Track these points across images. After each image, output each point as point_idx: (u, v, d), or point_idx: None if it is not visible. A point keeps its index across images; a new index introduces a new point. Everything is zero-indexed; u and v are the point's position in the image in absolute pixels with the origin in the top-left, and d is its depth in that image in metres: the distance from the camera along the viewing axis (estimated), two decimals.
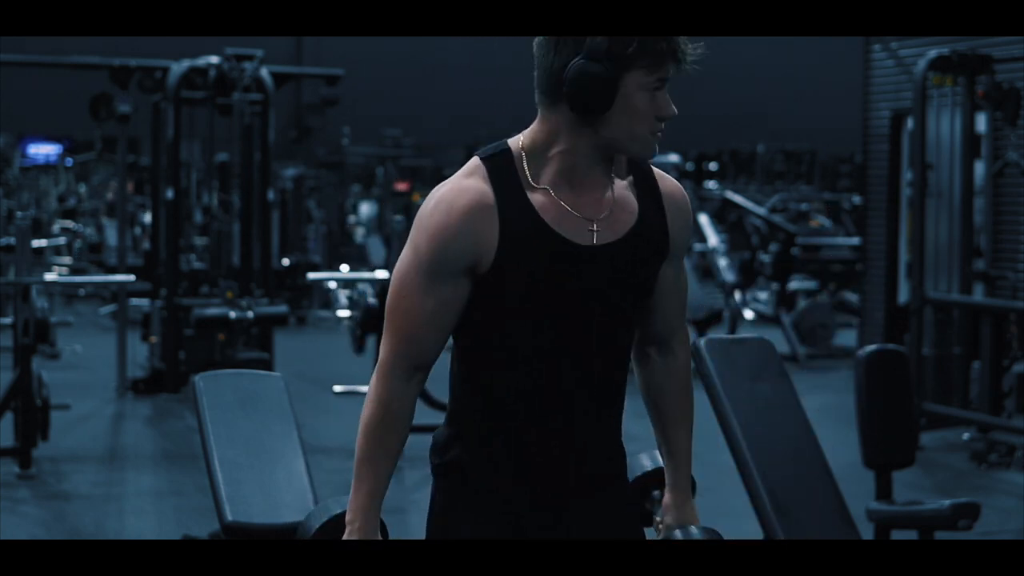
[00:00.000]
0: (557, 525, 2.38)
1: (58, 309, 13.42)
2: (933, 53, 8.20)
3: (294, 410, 3.44)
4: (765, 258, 12.84)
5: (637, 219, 2.37)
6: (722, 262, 12.46)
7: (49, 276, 8.95)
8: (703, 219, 13.24)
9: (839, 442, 5.56)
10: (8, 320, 8.95)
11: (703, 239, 12.94)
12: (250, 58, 9.29)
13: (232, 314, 8.36)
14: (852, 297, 12.77)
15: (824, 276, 13.38)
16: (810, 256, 13.34)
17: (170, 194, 9.45)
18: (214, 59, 9.30)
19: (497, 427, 2.36)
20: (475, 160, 2.35)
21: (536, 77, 2.32)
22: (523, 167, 2.33)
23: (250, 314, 8.38)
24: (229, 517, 3.15)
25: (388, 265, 12.62)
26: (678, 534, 2.49)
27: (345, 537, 2.36)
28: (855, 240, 13.22)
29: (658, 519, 2.54)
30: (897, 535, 4.31)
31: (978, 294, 8.40)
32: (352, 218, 18.87)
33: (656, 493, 2.57)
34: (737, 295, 12.30)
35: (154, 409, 9.00)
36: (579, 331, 2.34)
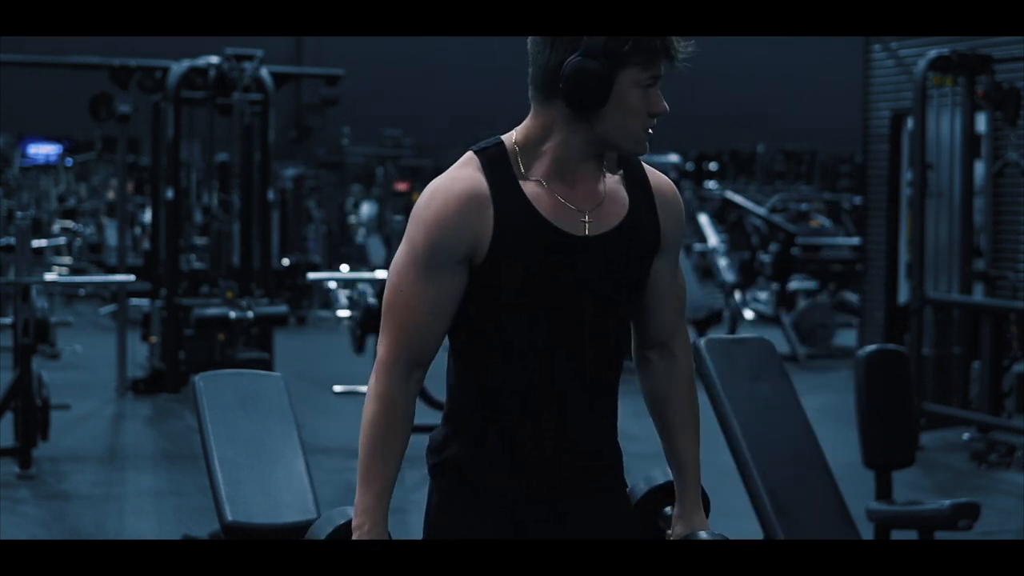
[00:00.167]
0: (552, 517, 2.38)
1: (58, 309, 13.42)
2: (933, 53, 8.20)
3: (294, 410, 3.44)
4: (765, 258, 12.84)
5: (628, 212, 2.39)
6: (722, 262, 12.47)
7: (49, 276, 8.96)
8: (703, 219, 13.25)
9: (839, 442, 5.56)
10: (8, 320, 8.95)
11: (703, 239, 12.96)
12: (250, 58, 9.29)
13: (232, 314, 8.36)
14: (852, 297, 12.77)
15: (824, 276, 13.38)
16: (810, 256, 13.34)
17: (170, 194, 9.45)
18: (214, 59, 9.30)
19: (492, 422, 2.37)
20: (469, 153, 2.37)
21: (531, 74, 2.35)
22: (516, 160, 2.35)
23: (250, 314, 8.38)
24: (229, 517, 3.15)
25: (388, 265, 12.61)
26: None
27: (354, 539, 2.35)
28: (855, 240, 13.22)
29: (669, 533, 2.52)
30: (897, 535, 4.31)
31: (978, 294, 8.41)
32: (352, 218, 18.87)
33: (668, 509, 2.54)
34: (737, 295, 12.31)
35: (154, 409, 9.00)
36: (572, 323, 2.35)
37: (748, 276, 12.95)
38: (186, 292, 9.66)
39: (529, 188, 2.34)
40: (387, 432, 2.34)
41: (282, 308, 8.90)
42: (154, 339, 9.59)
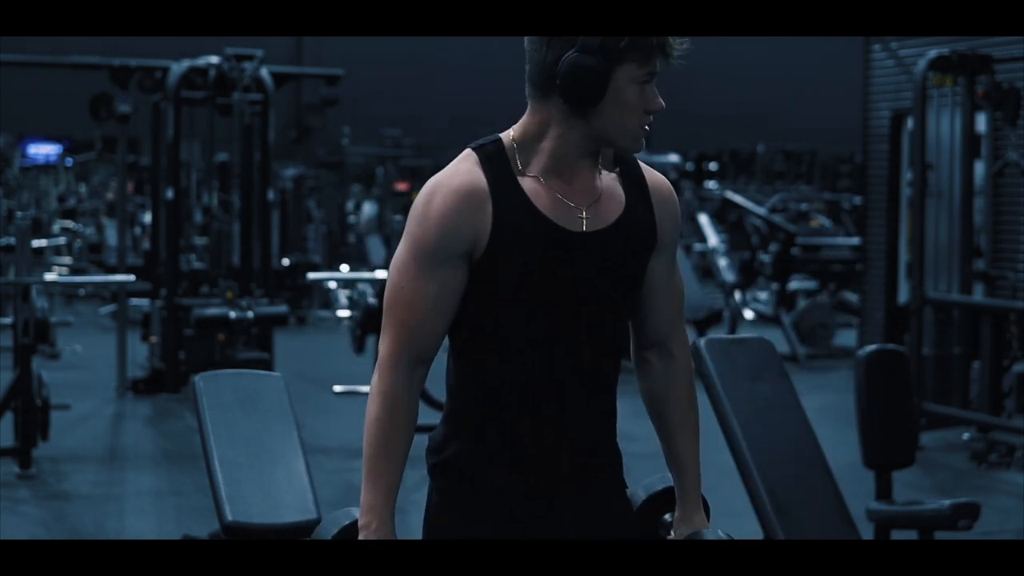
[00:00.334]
0: (550, 513, 2.39)
1: (58, 309, 13.42)
2: (933, 53, 8.20)
3: (294, 410, 3.44)
4: (765, 258, 12.84)
5: (624, 209, 2.40)
6: (722, 262, 12.47)
7: (49, 276, 8.96)
8: (703, 219, 13.25)
9: (839, 442, 5.56)
10: (8, 320, 8.95)
11: (703, 239, 12.96)
12: (250, 58, 9.29)
13: (232, 314, 8.36)
14: (852, 297, 12.77)
15: (824, 276, 13.38)
16: (810, 256, 13.34)
17: (170, 194, 9.45)
18: (214, 59, 9.30)
19: (492, 418, 2.37)
20: (467, 150, 2.39)
21: (528, 71, 2.36)
22: (514, 156, 2.37)
23: (250, 314, 8.38)
24: (229, 517, 3.15)
25: (388, 265, 12.62)
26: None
27: (361, 539, 2.35)
28: (855, 240, 13.22)
29: (671, 536, 2.52)
30: (897, 535, 4.31)
31: (978, 294, 8.41)
32: (352, 217, 18.87)
33: (667, 517, 2.53)
34: (737, 295, 12.31)
35: (154, 409, 9.00)
36: (569, 319, 2.36)
37: (748, 276, 12.95)
38: (186, 292, 9.66)
39: (527, 184, 2.35)
40: (391, 430, 2.35)
41: (282, 308, 8.90)
42: (154, 339, 9.59)
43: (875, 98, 9.52)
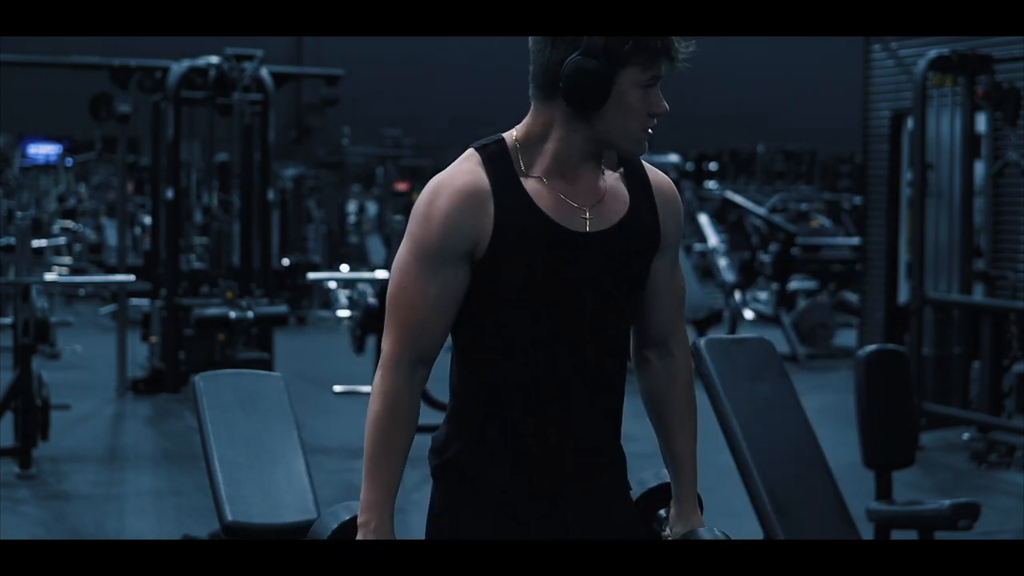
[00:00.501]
0: (553, 513, 2.39)
1: (58, 309, 13.42)
2: (933, 53, 8.20)
3: (294, 410, 3.43)
4: (765, 258, 12.84)
5: (628, 209, 2.40)
6: (722, 262, 12.47)
7: (49, 276, 8.96)
8: (703, 219, 13.24)
9: (839, 442, 5.56)
10: (8, 320, 8.95)
11: (703, 239, 12.95)
12: (250, 58, 9.29)
13: (232, 314, 8.36)
14: (852, 297, 12.77)
15: (824, 276, 13.38)
16: (810, 256, 13.34)
17: (170, 194, 9.45)
18: (214, 59, 9.30)
19: (494, 417, 2.37)
20: (470, 150, 2.38)
21: (531, 71, 2.36)
22: (517, 157, 2.37)
23: (250, 314, 8.38)
24: (229, 517, 3.15)
25: (388, 265, 12.62)
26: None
27: (359, 537, 2.35)
28: (855, 240, 13.22)
29: (666, 533, 2.53)
30: (897, 535, 4.31)
31: (978, 294, 8.41)
32: (353, 217, 18.87)
33: (662, 512, 2.54)
34: (737, 295, 12.31)
35: (154, 409, 9.00)
36: (573, 319, 2.36)
37: (748, 276, 12.95)
38: (186, 292, 9.66)
39: (530, 184, 2.35)
40: (392, 429, 2.35)
41: (282, 308, 8.89)
42: (154, 339, 9.59)
43: (875, 98, 9.52)
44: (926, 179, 8.26)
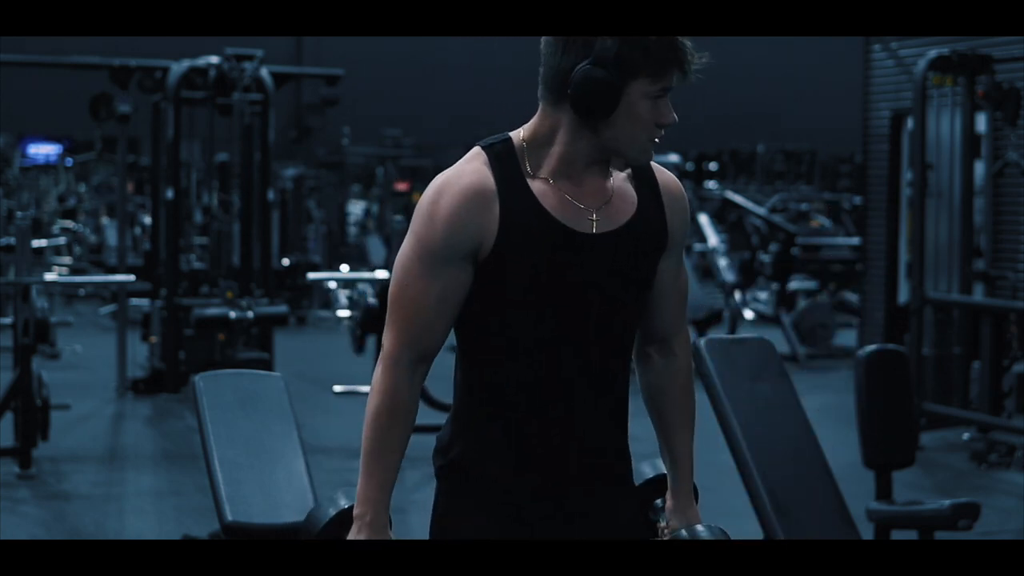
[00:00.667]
0: (557, 514, 2.39)
1: (58, 309, 13.42)
2: (933, 53, 8.20)
3: (294, 410, 3.44)
4: (765, 258, 12.84)
5: (636, 210, 2.40)
6: (722, 262, 12.47)
7: (49, 276, 8.95)
8: (703, 219, 13.24)
9: (839, 442, 5.56)
10: (8, 320, 8.95)
11: (703, 239, 12.95)
12: (250, 58, 9.29)
13: (232, 314, 8.36)
14: (852, 297, 12.77)
15: (824, 276, 13.38)
16: (810, 256, 13.35)
17: (170, 194, 9.45)
18: (214, 59, 9.30)
19: (498, 419, 2.37)
20: (476, 148, 2.38)
21: (542, 73, 2.34)
22: (524, 157, 2.36)
23: (250, 314, 8.37)
24: (229, 517, 3.15)
25: (388, 265, 12.62)
26: (683, 534, 2.49)
27: (354, 530, 2.36)
28: (855, 240, 13.22)
29: (662, 524, 2.54)
30: (897, 535, 4.31)
31: (978, 294, 8.40)
32: (357, 217, 18.87)
33: (658, 502, 2.56)
34: (737, 295, 12.31)
35: (154, 409, 9.00)
36: (578, 320, 2.36)
37: (748, 276, 12.94)
38: (186, 292, 9.66)
39: (536, 186, 2.34)
40: (391, 425, 2.35)
41: (282, 308, 8.89)
42: (154, 339, 9.59)
43: (875, 98, 9.52)
44: (926, 179, 8.26)
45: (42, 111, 19.80)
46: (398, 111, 21.29)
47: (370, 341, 8.53)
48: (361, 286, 9.05)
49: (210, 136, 10.11)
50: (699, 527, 2.50)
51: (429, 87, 22.69)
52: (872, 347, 4.42)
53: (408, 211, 16.71)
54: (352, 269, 12.98)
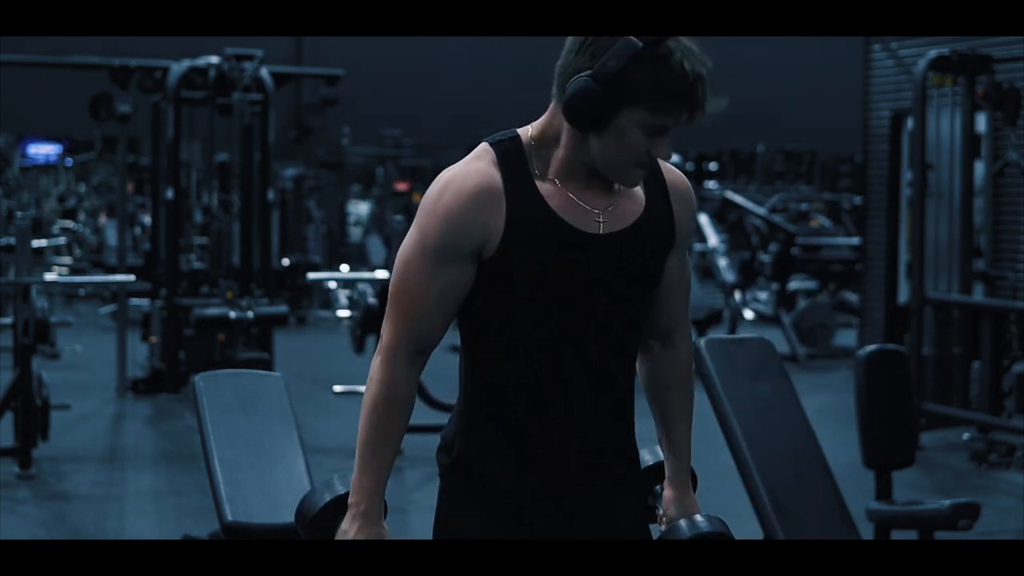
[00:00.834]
0: (557, 514, 2.39)
1: (58, 309, 13.42)
2: (933, 53, 8.20)
3: (294, 410, 3.43)
4: (765, 258, 12.84)
5: (644, 209, 2.40)
6: (722, 262, 12.47)
7: (49, 276, 8.96)
8: (703, 219, 13.24)
9: (839, 442, 5.56)
10: (8, 320, 8.95)
11: (703, 239, 12.95)
12: (250, 58, 9.29)
13: (232, 314, 8.36)
14: (852, 297, 12.77)
15: (824, 276, 13.38)
16: (810, 256, 13.34)
17: (170, 194, 9.45)
18: (214, 59, 9.30)
19: (499, 419, 2.38)
20: (484, 145, 2.37)
21: (557, 68, 2.33)
22: (531, 156, 2.35)
23: (250, 314, 8.37)
24: (229, 517, 3.15)
25: (388, 265, 12.62)
26: (682, 524, 2.50)
27: (348, 519, 2.36)
28: (855, 240, 13.22)
29: (660, 512, 2.56)
30: (897, 535, 4.31)
31: (978, 294, 8.40)
32: (353, 217, 18.86)
33: (658, 488, 2.58)
34: (737, 295, 12.31)
35: (154, 409, 9.00)
36: (579, 320, 2.36)
37: (748, 276, 12.94)
38: (186, 292, 9.66)
39: (543, 185, 2.34)
40: (388, 417, 2.36)
41: (282, 308, 8.89)
42: (154, 339, 9.59)
43: (875, 98, 9.52)
44: (926, 179, 8.26)
45: (42, 111, 19.80)
46: (398, 111, 21.29)
47: (370, 341, 8.52)
48: (361, 286, 9.05)
49: (210, 136, 10.11)
50: (698, 517, 2.52)
51: (429, 87, 22.69)
52: (872, 347, 4.42)
53: (408, 211, 16.72)
54: (352, 269, 12.97)
